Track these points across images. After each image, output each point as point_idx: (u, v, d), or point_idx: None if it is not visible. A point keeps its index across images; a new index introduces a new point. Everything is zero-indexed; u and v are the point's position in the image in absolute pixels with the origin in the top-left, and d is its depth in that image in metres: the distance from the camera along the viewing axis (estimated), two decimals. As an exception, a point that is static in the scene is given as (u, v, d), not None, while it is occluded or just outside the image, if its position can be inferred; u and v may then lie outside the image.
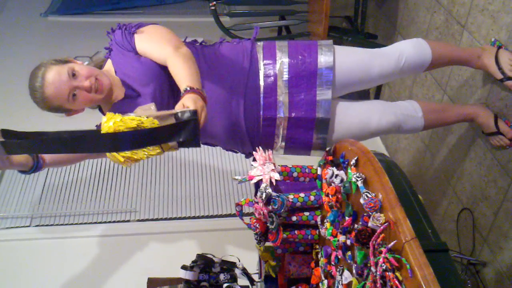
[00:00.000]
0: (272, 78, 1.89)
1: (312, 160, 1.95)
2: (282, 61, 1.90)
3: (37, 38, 4.35)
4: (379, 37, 3.44)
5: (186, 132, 1.47)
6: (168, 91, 1.83)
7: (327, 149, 1.72)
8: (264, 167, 1.75)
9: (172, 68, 1.71)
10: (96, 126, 1.74)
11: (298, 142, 1.99)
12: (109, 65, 1.86)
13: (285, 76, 1.89)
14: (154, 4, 4.85)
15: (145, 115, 1.42)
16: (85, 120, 1.89)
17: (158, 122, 1.43)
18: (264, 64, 1.90)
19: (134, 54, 1.81)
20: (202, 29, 4.39)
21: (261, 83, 1.89)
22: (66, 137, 1.44)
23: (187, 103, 1.51)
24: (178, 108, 1.51)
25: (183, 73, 1.66)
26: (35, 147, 1.44)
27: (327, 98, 1.91)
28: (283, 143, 1.99)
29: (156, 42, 1.79)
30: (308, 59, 1.90)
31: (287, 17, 3.71)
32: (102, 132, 1.38)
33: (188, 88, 1.58)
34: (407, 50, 2.00)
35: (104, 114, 1.89)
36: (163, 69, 1.79)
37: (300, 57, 1.91)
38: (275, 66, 1.90)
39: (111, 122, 1.38)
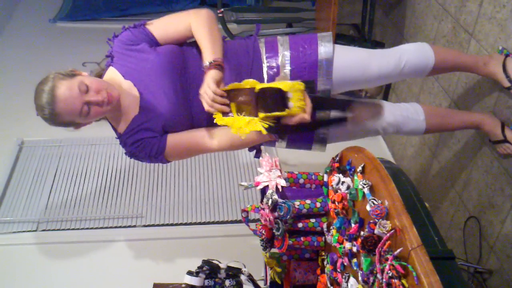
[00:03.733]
0: (275, 69, 1.90)
1: (318, 167, 1.95)
2: (284, 53, 1.91)
3: (46, 44, 4.37)
4: (386, 45, 3.44)
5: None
6: (182, 82, 1.83)
7: (334, 156, 1.73)
8: (270, 173, 1.76)
9: (196, 34, 1.82)
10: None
11: (301, 134, 2.00)
12: (112, 73, 1.85)
13: (287, 68, 1.90)
14: (162, 11, 4.86)
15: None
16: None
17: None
18: (267, 58, 1.92)
19: (150, 47, 1.82)
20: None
21: (265, 76, 1.90)
22: None
23: (206, 82, 1.69)
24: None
25: (205, 44, 1.78)
26: None
27: (328, 88, 1.92)
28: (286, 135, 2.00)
29: (173, 17, 1.90)
30: (308, 50, 1.92)
31: (294, 25, 3.72)
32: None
33: (208, 63, 1.73)
34: (409, 52, 2.01)
35: (114, 129, 1.89)
36: (179, 61, 1.81)
37: (301, 49, 1.92)
38: (277, 58, 1.91)
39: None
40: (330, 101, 1.78)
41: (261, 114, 1.66)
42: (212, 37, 1.79)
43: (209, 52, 1.75)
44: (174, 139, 1.84)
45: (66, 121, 1.73)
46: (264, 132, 1.65)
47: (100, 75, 1.86)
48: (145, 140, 1.82)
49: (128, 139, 1.85)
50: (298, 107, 1.64)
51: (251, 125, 1.67)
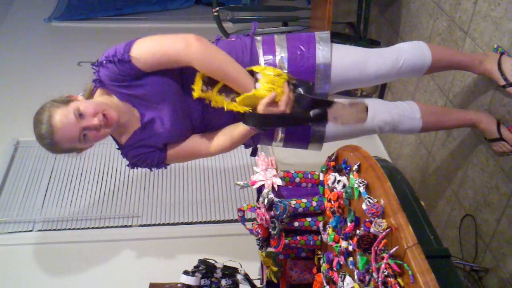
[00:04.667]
0: None
1: (314, 166, 1.95)
2: (282, 56, 1.91)
3: (41, 44, 4.37)
4: (381, 43, 3.44)
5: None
6: (182, 96, 1.80)
7: (329, 155, 1.73)
8: (266, 172, 1.76)
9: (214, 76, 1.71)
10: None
11: (297, 134, 2.01)
12: (105, 94, 1.77)
13: (285, 71, 1.90)
14: (157, 10, 4.86)
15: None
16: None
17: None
18: (264, 60, 1.91)
19: (140, 76, 1.70)
20: (205, 35, 4.37)
21: None
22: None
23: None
24: None
25: (238, 81, 1.71)
26: None
27: (325, 91, 1.92)
28: (283, 135, 2.00)
29: (162, 52, 1.68)
30: (306, 53, 1.91)
31: (290, 23, 3.72)
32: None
33: None
34: (406, 51, 2.01)
35: (115, 140, 1.88)
36: (173, 78, 1.76)
37: (298, 52, 1.91)
38: (275, 60, 1.90)
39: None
40: (317, 101, 1.76)
41: (237, 98, 1.69)
42: (231, 74, 1.71)
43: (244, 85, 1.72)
44: (174, 150, 1.87)
45: (67, 148, 1.72)
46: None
47: (91, 90, 1.80)
48: (146, 154, 1.84)
49: (130, 152, 1.85)
50: (265, 89, 1.65)
51: (228, 107, 1.70)
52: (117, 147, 1.90)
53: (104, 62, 1.69)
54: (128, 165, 1.91)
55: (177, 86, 1.78)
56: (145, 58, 1.67)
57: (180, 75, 1.78)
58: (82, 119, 1.65)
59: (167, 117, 1.79)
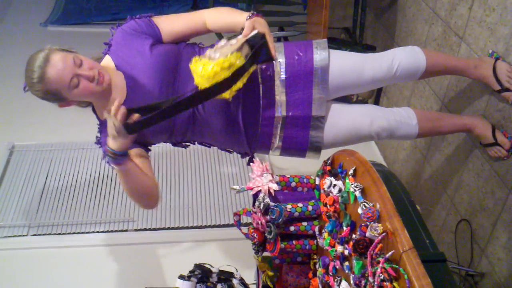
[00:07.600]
0: (269, 73, 1.90)
1: (310, 170, 1.95)
2: (279, 61, 1.91)
3: (36, 48, 4.29)
4: (377, 49, 3.45)
5: (263, 56, 1.68)
6: (171, 83, 1.83)
7: (325, 159, 1.73)
8: (262, 178, 1.75)
9: (218, 17, 1.89)
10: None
11: (295, 142, 1.99)
12: (107, 61, 1.86)
13: (282, 76, 1.90)
14: (154, 14, 4.86)
15: (229, 53, 1.58)
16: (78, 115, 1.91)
17: (240, 53, 1.60)
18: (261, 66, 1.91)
19: (149, 42, 1.83)
20: (201, 38, 4.39)
21: (260, 83, 1.90)
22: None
23: (256, 26, 1.71)
24: (248, 30, 1.69)
25: (235, 12, 1.85)
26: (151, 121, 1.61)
27: (323, 97, 1.92)
28: (280, 143, 1.99)
29: (183, 14, 1.94)
30: (304, 58, 1.92)
31: (286, 28, 3.72)
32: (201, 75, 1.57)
33: (251, 14, 1.75)
34: (401, 56, 2.02)
35: (96, 114, 1.89)
36: (173, 61, 1.82)
37: (296, 57, 1.93)
38: (272, 66, 1.91)
39: (209, 67, 1.55)
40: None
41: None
42: (237, 11, 1.86)
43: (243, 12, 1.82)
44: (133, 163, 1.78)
45: (53, 90, 1.71)
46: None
47: (97, 59, 1.87)
48: None
49: (105, 129, 1.81)
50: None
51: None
52: (97, 122, 1.91)
53: (126, 21, 1.92)
54: (95, 143, 1.92)
55: (171, 72, 1.82)
56: (164, 18, 1.91)
57: (176, 67, 1.83)
58: (79, 67, 1.71)
59: (151, 99, 1.78)
